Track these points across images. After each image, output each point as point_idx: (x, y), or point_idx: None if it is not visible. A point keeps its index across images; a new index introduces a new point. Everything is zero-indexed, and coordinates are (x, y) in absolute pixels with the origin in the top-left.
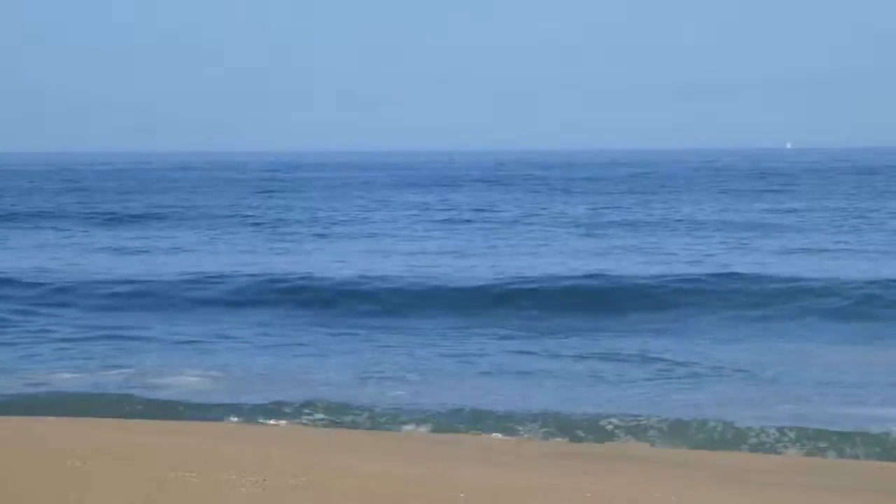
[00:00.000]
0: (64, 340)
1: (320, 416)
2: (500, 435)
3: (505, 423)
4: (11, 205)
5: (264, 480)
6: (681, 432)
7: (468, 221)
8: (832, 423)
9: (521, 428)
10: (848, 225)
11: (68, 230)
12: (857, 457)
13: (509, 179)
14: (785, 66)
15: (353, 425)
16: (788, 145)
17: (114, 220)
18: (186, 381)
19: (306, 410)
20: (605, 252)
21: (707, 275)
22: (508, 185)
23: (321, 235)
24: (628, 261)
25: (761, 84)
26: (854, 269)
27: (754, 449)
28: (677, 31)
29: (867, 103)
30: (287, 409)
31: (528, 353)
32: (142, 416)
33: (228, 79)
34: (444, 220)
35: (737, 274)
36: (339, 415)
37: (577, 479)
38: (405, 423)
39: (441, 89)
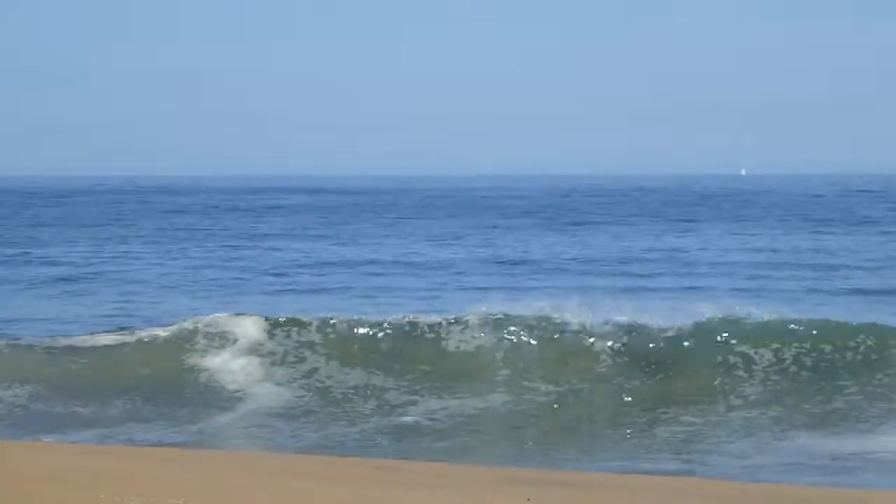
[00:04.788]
0: None
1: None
2: (444, 461)
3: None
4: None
5: None
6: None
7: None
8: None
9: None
10: None
11: None
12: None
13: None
14: (744, 92)
15: (307, 451)
16: (743, 171)
17: None
18: None
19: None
20: None
21: None
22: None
23: None
24: None
25: (719, 109)
26: None
27: (701, 473)
28: (633, 56)
29: (828, 131)
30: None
31: None
32: None
33: None
34: None
35: None
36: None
37: None
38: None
39: (399, 115)
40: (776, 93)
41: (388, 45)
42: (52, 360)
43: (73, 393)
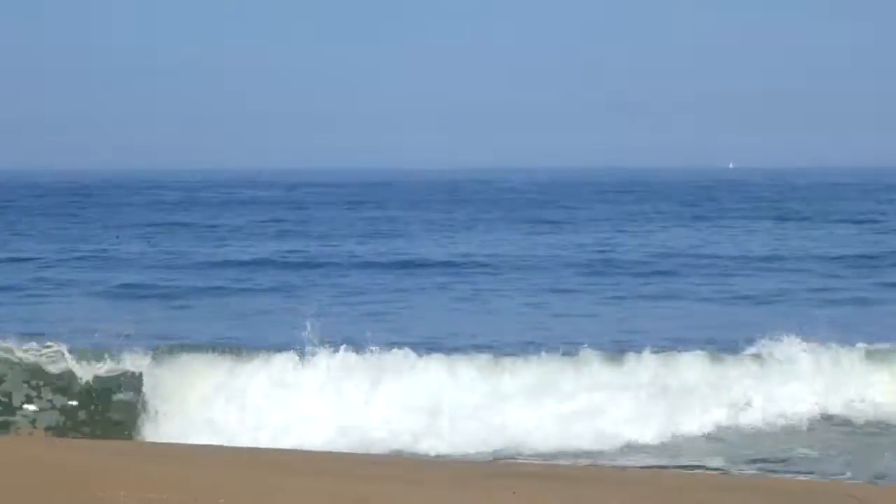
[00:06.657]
0: None
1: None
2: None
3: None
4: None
5: (195, 500)
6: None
7: None
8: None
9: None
10: None
11: None
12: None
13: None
14: (732, 84)
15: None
16: (731, 165)
17: None
18: None
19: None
20: None
21: None
22: None
23: None
24: None
25: (708, 103)
26: None
27: (688, 466)
28: (624, 48)
29: (817, 124)
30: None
31: None
32: None
33: None
34: None
35: None
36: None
37: (505, 499)
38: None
39: (374, 110)
40: (772, 87)
41: (372, 44)
42: None
43: None
